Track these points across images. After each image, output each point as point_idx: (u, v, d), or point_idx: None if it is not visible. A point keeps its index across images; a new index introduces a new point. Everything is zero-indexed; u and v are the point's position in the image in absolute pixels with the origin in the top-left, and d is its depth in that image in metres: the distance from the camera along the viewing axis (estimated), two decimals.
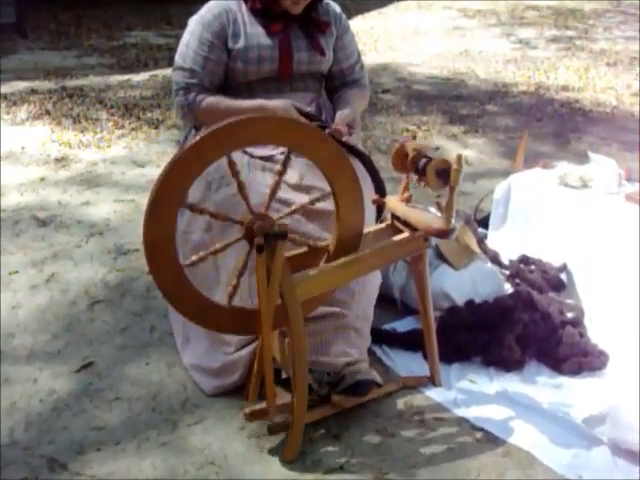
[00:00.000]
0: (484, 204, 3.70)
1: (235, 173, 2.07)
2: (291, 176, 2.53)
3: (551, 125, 5.59)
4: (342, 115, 2.61)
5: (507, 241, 3.20)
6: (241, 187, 2.10)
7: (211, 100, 2.61)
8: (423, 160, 2.21)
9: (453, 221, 2.21)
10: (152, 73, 7.07)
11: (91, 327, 2.96)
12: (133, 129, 5.35)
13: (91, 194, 4.20)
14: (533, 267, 3.02)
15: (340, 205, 2.18)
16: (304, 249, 2.31)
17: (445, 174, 2.16)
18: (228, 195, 2.51)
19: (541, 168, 3.29)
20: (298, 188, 2.55)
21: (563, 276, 3.03)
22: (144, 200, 4.13)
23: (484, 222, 3.41)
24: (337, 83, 2.86)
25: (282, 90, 2.68)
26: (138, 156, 4.83)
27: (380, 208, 2.50)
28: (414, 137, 2.36)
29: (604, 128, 5.45)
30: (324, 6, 2.79)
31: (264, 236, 2.09)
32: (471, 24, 9.84)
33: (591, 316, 2.94)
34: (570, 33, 9.33)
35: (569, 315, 2.87)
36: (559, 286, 3.01)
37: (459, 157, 2.14)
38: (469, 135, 5.34)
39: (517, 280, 3.01)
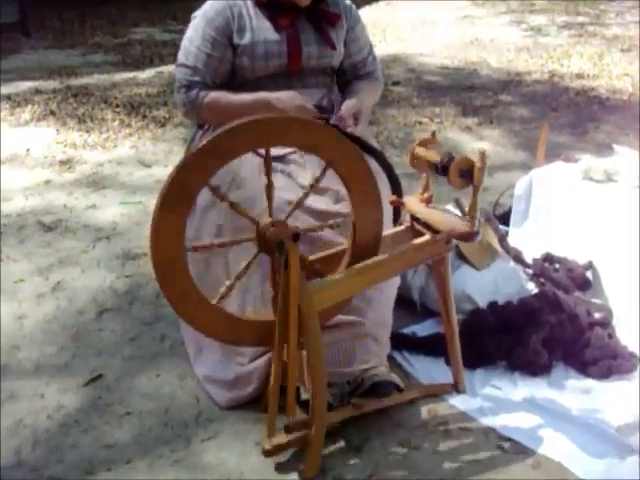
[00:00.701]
0: (503, 199, 3.58)
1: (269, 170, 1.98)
2: (304, 177, 2.42)
3: (567, 115, 5.45)
4: (348, 105, 2.50)
5: (529, 238, 3.07)
6: (269, 186, 2.01)
7: (213, 96, 2.52)
8: (445, 158, 2.09)
9: (478, 223, 2.09)
10: (158, 70, 6.97)
11: (99, 337, 2.85)
12: (139, 128, 5.24)
13: (97, 197, 4.10)
14: (558, 266, 2.89)
15: (357, 207, 2.06)
16: (320, 254, 2.19)
17: (468, 173, 2.04)
18: (239, 199, 2.37)
19: (563, 161, 3.16)
20: (313, 190, 2.42)
21: (589, 274, 2.90)
22: (152, 202, 4.04)
23: (504, 218, 3.29)
24: (349, 77, 2.76)
25: (292, 86, 2.56)
26: (145, 156, 4.72)
27: (397, 209, 2.37)
28: (434, 134, 2.23)
29: (622, 117, 5.31)
30: None
31: (278, 243, 1.97)
32: (481, 12, 9.70)
33: (619, 316, 2.81)
34: (581, 19, 9.18)
35: (596, 315, 2.75)
36: (585, 285, 2.89)
37: (482, 154, 2.02)
38: (484, 127, 5.21)
39: (541, 279, 2.88)
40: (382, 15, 9.49)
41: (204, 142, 1.85)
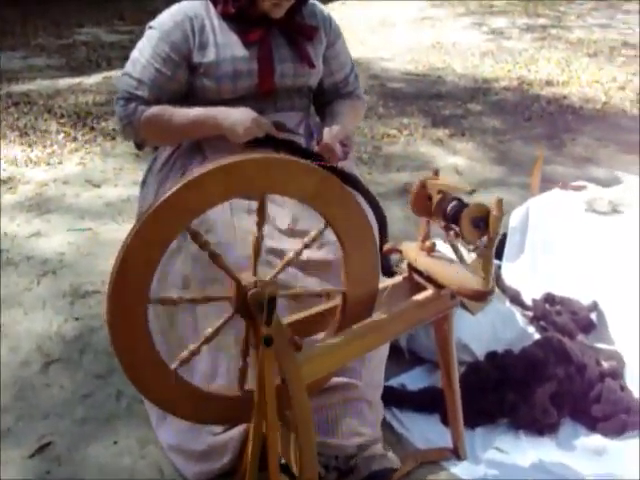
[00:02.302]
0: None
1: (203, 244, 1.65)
2: (282, 219, 2.11)
3: (541, 125, 5.22)
4: (332, 131, 2.20)
5: (525, 275, 2.79)
6: (258, 241, 1.71)
7: (153, 111, 2.17)
8: (453, 205, 1.78)
9: (493, 280, 1.79)
10: (105, 75, 6.57)
11: (47, 395, 2.50)
12: (86, 142, 4.85)
13: (41, 222, 3.71)
14: (560, 307, 2.61)
15: (349, 256, 1.75)
16: (306, 312, 1.88)
17: (483, 223, 1.74)
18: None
19: (560, 189, 2.88)
20: (291, 233, 2.11)
21: (593, 316, 2.63)
22: (102, 229, 3.73)
23: (496, 251, 3.00)
24: (329, 98, 2.43)
25: (264, 110, 2.23)
26: (93, 174, 4.34)
27: (387, 259, 2.05)
28: (436, 173, 1.92)
29: (597, 127, 5.10)
30: (309, 7, 2.34)
31: (257, 305, 1.65)
32: (440, 13, 9.46)
33: (627, 362, 2.55)
34: (542, 21, 9.00)
35: (605, 365, 2.48)
36: (589, 327, 2.62)
37: (499, 202, 1.72)
38: (455, 139, 4.93)
39: (542, 323, 2.60)
40: (338, 17, 9.06)
41: (160, 200, 1.51)
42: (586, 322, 2.61)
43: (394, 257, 2.05)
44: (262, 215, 1.68)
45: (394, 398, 2.42)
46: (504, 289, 2.65)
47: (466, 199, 1.82)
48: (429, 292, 1.92)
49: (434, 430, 2.35)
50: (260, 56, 2.20)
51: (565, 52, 7.33)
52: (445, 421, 2.36)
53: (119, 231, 3.62)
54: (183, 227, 1.59)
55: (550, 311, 2.60)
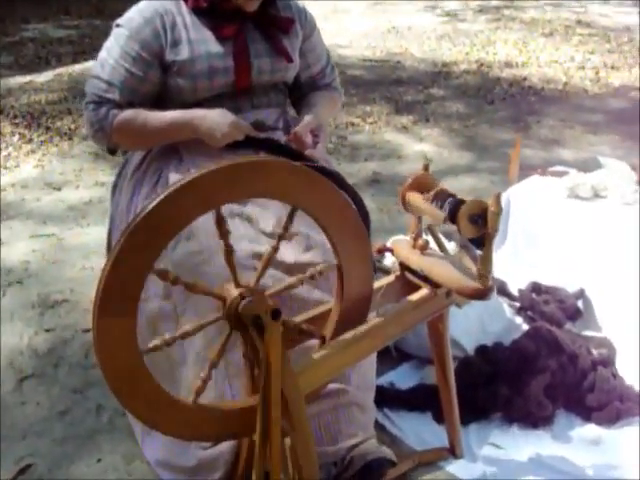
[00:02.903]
0: None
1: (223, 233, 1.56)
2: (266, 221, 2.02)
3: (505, 108, 5.19)
4: (304, 121, 2.13)
5: (508, 264, 2.74)
6: (229, 253, 1.57)
7: (126, 115, 2.06)
8: (450, 202, 1.71)
9: (491, 278, 1.73)
10: (56, 72, 6.37)
11: (23, 414, 2.39)
12: (43, 142, 4.69)
13: (4, 230, 3.57)
14: (547, 296, 2.57)
15: (344, 261, 1.66)
16: (300, 318, 1.80)
17: (481, 219, 1.68)
18: (188, 252, 1.99)
19: (539, 175, 2.84)
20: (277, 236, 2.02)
21: (579, 303, 2.59)
22: (65, 234, 3.60)
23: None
24: (306, 91, 2.35)
25: (241, 108, 2.14)
26: (52, 176, 4.19)
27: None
28: (426, 167, 1.86)
29: (561, 108, 5.10)
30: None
31: (253, 318, 1.56)
32: None
33: (616, 348, 2.52)
34: (495, 2, 8.98)
35: (596, 353, 2.44)
36: (575, 315, 2.58)
37: (497, 197, 1.66)
38: (420, 125, 4.88)
39: (529, 313, 2.56)
40: None
41: (138, 218, 1.42)
42: (573, 310, 2.57)
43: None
44: (223, 227, 1.57)
45: (385, 398, 2.36)
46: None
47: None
48: (424, 292, 1.85)
49: (428, 429, 2.31)
50: (236, 52, 2.10)
51: (521, 32, 7.31)
52: (438, 418, 2.31)
53: (84, 235, 3.51)
54: (162, 248, 1.48)
55: (537, 301, 2.56)
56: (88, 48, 6.98)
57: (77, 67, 6.40)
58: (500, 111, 5.11)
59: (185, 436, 1.68)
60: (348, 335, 1.73)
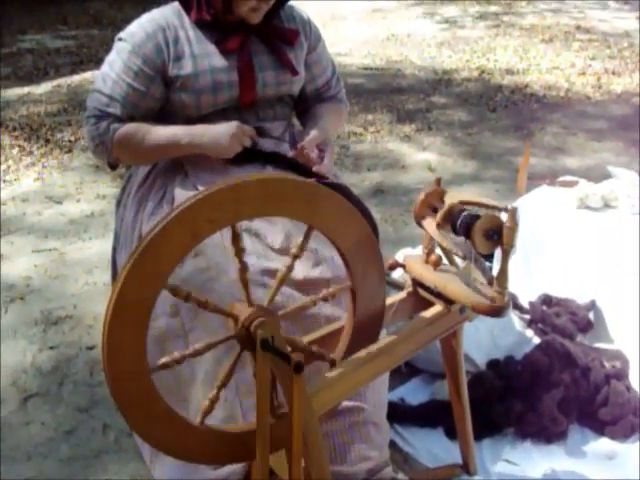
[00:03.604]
0: None
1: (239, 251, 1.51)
2: (274, 237, 1.98)
3: (507, 116, 5.16)
4: (310, 136, 2.10)
5: (518, 276, 2.70)
6: (243, 271, 1.53)
7: (127, 130, 2.03)
8: (464, 217, 1.68)
9: (508, 294, 1.70)
10: (55, 83, 6.33)
11: (27, 434, 2.35)
12: (42, 155, 4.65)
13: (4, 245, 3.52)
14: (558, 309, 2.53)
15: (354, 276, 1.62)
16: (312, 336, 1.77)
17: (496, 234, 1.65)
18: (196, 269, 1.94)
19: (548, 186, 2.80)
20: (286, 251, 1.98)
21: (590, 315, 2.56)
22: (67, 248, 3.56)
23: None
24: (311, 104, 2.32)
25: (246, 121, 2.11)
26: (53, 190, 4.15)
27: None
28: (439, 181, 1.82)
29: (564, 115, 5.06)
30: (287, 10, 2.22)
31: (262, 342, 1.52)
32: (391, 5, 9.34)
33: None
34: (494, 9, 8.95)
35: (608, 365, 2.41)
36: (587, 327, 2.54)
37: (513, 212, 1.62)
38: (423, 134, 4.85)
39: (540, 325, 2.52)
40: None
41: (150, 235, 1.38)
42: (585, 322, 2.53)
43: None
44: (238, 244, 1.53)
45: (395, 414, 2.32)
46: None
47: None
48: (438, 308, 1.82)
49: (440, 445, 2.27)
50: (240, 65, 2.07)
51: (520, 39, 7.29)
52: (450, 434, 2.28)
53: (86, 249, 3.47)
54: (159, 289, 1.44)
55: (548, 313, 2.52)
56: (86, 58, 6.96)
57: (76, 78, 6.36)
58: (502, 119, 5.08)
59: (194, 458, 1.64)
60: (361, 354, 1.70)
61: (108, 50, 2.12)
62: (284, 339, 1.54)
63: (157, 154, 2.09)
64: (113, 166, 2.21)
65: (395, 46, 7.20)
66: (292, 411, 1.51)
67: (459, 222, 1.69)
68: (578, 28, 7.70)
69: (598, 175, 3.81)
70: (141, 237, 2.06)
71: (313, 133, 2.12)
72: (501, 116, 5.14)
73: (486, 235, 1.65)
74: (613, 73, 6.09)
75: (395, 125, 5.01)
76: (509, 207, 1.62)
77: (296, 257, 1.58)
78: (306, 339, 1.76)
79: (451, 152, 4.53)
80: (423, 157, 4.44)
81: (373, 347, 1.71)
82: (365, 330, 1.71)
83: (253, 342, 1.54)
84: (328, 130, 2.21)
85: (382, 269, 1.67)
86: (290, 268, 1.58)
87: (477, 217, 1.66)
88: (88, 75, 6.30)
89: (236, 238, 1.50)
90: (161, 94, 2.07)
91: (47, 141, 4.89)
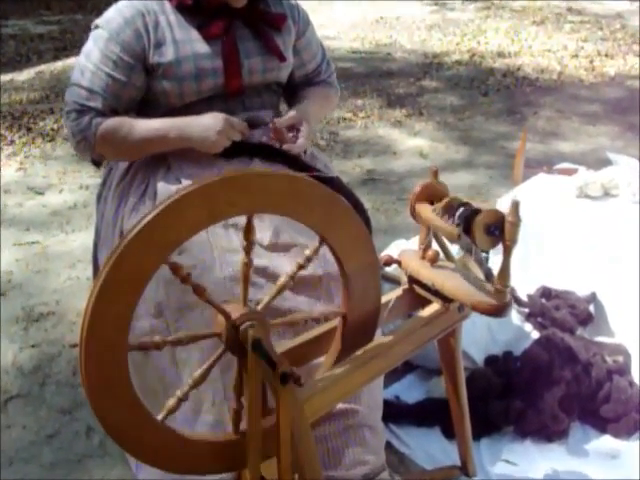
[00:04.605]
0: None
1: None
2: (263, 233, 1.88)
3: (500, 100, 5.07)
4: (287, 115, 2.02)
5: (516, 268, 2.60)
6: (247, 266, 1.46)
7: (111, 124, 1.92)
8: (463, 211, 1.59)
9: (509, 292, 1.61)
10: (37, 69, 6.19)
11: (8, 437, 2.26)
12: (24, 144, 4.52)
13: None
14: (557, 301, 2.45)
15: (346, 271, 1.53)
16: (302, 338, 1.68)
17: (498, 229, 1.56)
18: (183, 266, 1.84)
19: (546, 174, 2.71)
20: (274, 248, 1.89)
21: (591, 308, 2.48)
22: (49, 241, 3.46)
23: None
24: (300, 89, 2.22)
25: (232, 111, 2.00)
26: (35, 180, 4.04)
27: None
28: (435, 173, 1.73)
29: (557, 99, 4.97)
30: None
31: (254, 341, 1.44)
32: None
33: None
34: None
35: (610, 360, 2.33)
36: (587, 320, 2.46)
37: (515, 205, 1.54)
38: (414, 119, 4.75)
39: (539, 319, 2.44)
40: None
41: (137, 227, 1.29)
42: (585, 315, 2.45)
43: None
44: (250, 238, 1.45)
45: (390, 413, 2.24)
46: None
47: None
48: (436, 307, 1.73)
49: (437, 445, 2.21)
50: (224, 52, 1.97)
51: (511, 21, 7.18)
52: (447, 434, 2.21)
53: (69, 242, 3.37)
54: (160, 262, 1.36)
55: (548, 306, 2.43)
56: (70, 44, 6.80)
57: (59, 64, 6.22)
58: (495, 103, 4.99)
59: (178, 469, 1.54)
60: (356, 356, 1.62)
61: None
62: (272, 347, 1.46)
63: (143, 149, 1.98)
64: (97, 163, 2.10)
65: (384, 29, 7.08)
66: (279, 423, 1.42)
67: (458, 215, 1.60)
68: (570, 10, 7.60)
69: (594, 160, 3.75)
70: (122, 234, 2.00)
71: (290, 113, 2.03)
72: (493, 100, 5.05)
73: (487, 230, 1.56)
74: (606, 55, 6.00)
75: (385, 110, 4.91)
76: (512, 201, 1.53)
77: (302, 267, 1.52)
78: (297, 340, 1.68)
79: (443, 138, 4.44)
80: (414, 143, 4.35)
81: (368, 349, 1.63)
82: (359, 330, 1.62)
83: (240, 344, 1.46)
84: (308, 112, 2.09)
85: (377, 266, 1.58)
86: (292, 276, 1.51)
87: (478, 211, 1.57)
88: (71, 61, 6.15)
89: (250, 230, 1.42)
90: (142, 83, 1.96)
91: (29, 130, 4.77)
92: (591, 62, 5.81)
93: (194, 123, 1.92)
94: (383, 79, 5.55)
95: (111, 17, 1.94)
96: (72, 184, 3.97)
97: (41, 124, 4.86)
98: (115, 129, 1.92)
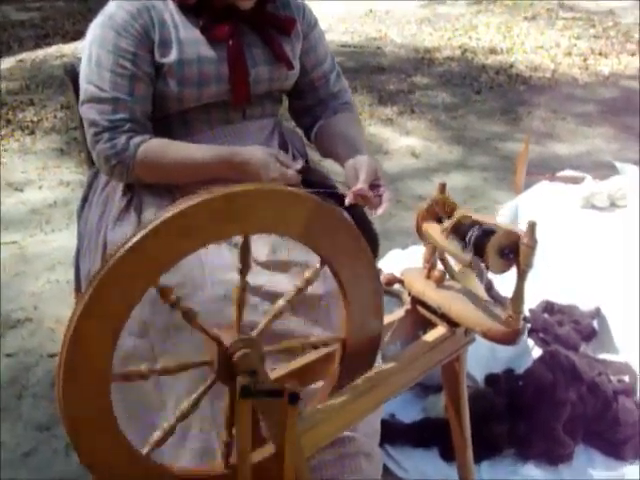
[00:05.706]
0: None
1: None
2: (259, 249, 1.75)
3: (493, 98, 4.96)
4: (362, 176, 1.73)
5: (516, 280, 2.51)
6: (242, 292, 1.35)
7: (152, 147, 1.74)
8: (476, 231, 1.47)
9: (523, 319, 1.50)
10: (18, 58, 6.01)
11: None
12: (3, 137, 4.37)
13: None
14: (560, 316, 2.35)
15: (348, 295, 1.42)
16: (298, 362, 1.57)
17: (512, 252, 1.44)
18: (169, 285, 1.71)
19: (548, 181, 2.61)
20: (272, 266, 1.76)
21: (594, 323, 2.38)
22: (28, 241, 3.32)
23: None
24: (310, 102, 2.03)
25: (231, 120, 1.86)
26: (14, 175, 3.90)
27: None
28: (443, 188, 1.61)
29: (552, 98, 4.88)
30: None
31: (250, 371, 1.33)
32: None
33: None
34: None
35: (615, 380, 2.23)
36: (590, 335, 2.37)
37: (531, 226, 1.42)
38: (405, 117, 4.63)
39: (542, 335, 2.34)
40: None
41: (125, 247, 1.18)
42: (589, 331, 2.36)
43: None
44: (246, 260, 1.34)
45: (387, 433, 2.12)
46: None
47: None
48: (441, 331, 1.62)
49: (435, 468, 2.12)
50: (230, 57, 1.79)
51: (503, 16, 7.07)
52: (446, 456, 2.10)
53: (48, 242, 3.24)
54: (149, 285, 1.25)
55: (550, 322, 2.33)
56: (52, 31, 6.61)
57: (40, 52, 6.04)
58: (488, 101, 4.89)
59: None
60: (357, 384, 1.51)
61: (75, 23, 1.85)
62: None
63: (189, 176, 1.78)
64: (129, 186, 1.89)
65: (374, 23, 6.95)
66: (283, 449, 1.32)
67: (469, 236, 1.48)
68: (561, 5, 7.50)
69: (591, 163, 3.67)
70: (106, 244, 1.87)
71: (364, 166, 1.75)
72: (486, 98, 4.95)
73: (501, 253, 1.45)
74: (600, 54, 5.91)
75: (376, 107, 4.79)
76: (528, 222, 1.42)
77: (300, 291, 1.41)
78: (293, 365, 1.57)
79: (436, 137, 4.33)
80: (406, 142, 4.23)
81: (369, 376, 1.52)
82: (360, 354, 1.51)
83: (232, 373, 1.35)
84: (367, 155, 1.84)
85: (381, 292, 1.47)
86: (292, 302, 1.40)
87: (491, 232, 1.45)
88: (53, 50, 6.00)
89: (246, 251, 1.31)
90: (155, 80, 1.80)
91: (8, 122, 4.61)
92: (585, 60, 5.72)
93: (248, 157, 1.73)
94: (374, 74, 5.42)
95: (114, 12, 1.76)
96: (52, 180, 3.83)
97: (20, 116, 4.70)
98: (157, 155, 1.75)
